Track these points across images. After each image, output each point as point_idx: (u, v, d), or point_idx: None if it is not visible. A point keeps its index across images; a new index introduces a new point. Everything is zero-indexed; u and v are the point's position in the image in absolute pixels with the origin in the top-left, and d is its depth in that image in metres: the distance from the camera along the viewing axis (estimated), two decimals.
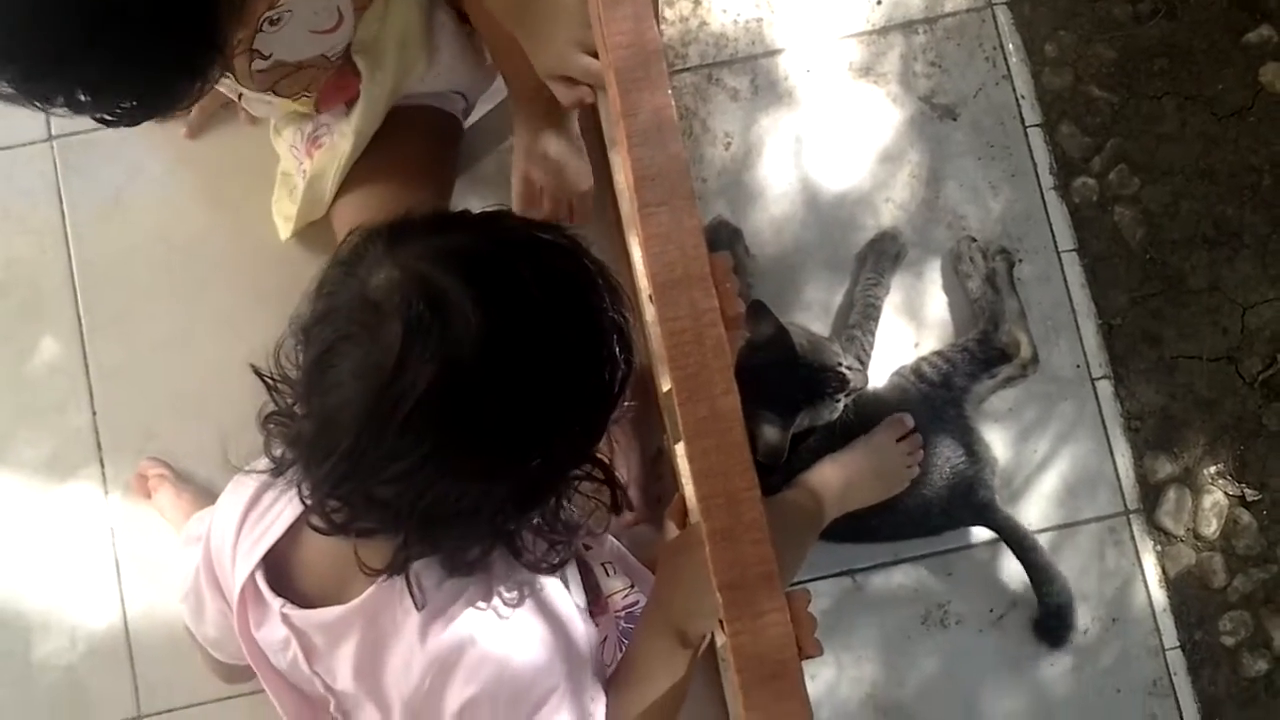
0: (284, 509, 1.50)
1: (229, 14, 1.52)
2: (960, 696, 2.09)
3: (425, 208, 1.33)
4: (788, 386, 1.96)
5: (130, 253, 2.17)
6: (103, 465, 2.11)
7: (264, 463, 1.36)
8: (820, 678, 2.08)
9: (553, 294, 1.24)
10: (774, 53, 2.28)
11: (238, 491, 1.58)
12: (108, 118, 1.51)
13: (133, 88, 1.49)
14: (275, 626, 1.51)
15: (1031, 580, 2.09)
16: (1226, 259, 2.21)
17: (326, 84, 1.92)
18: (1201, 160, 2.24)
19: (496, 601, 1.44)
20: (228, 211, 2.18)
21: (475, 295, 1.19)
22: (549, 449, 1.28)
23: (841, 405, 1.99)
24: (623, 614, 1.83)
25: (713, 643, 1.77)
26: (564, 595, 1.54)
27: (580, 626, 1.54)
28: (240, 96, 1.96)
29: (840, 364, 1.98)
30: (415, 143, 2.03)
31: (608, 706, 1.56)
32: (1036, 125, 2.25)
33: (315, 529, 1.33)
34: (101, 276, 2.17)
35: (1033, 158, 2.23)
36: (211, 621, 1.68)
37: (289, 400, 1.30)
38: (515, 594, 1.44)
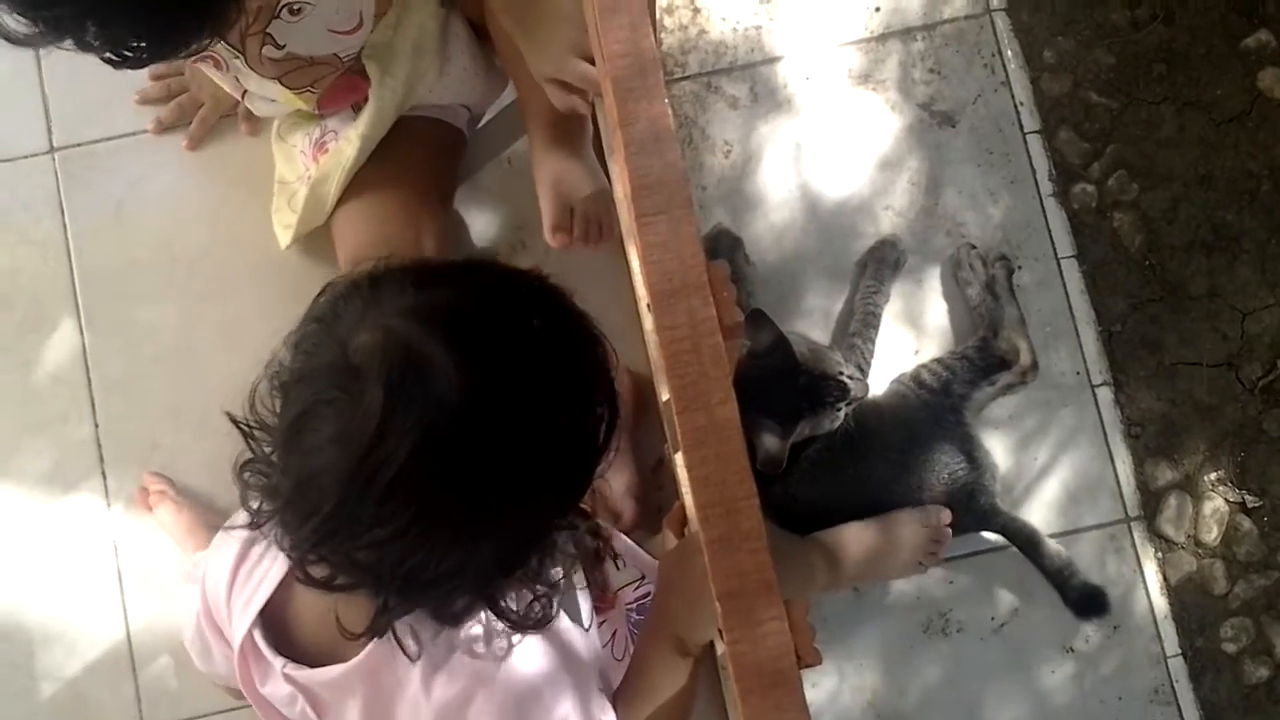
0: (273, 565, 1.48)
1: None
2: (962, 705, 2.09)
3: (406, 256, 1.30)
4: (789, 395, 1.96)
5: (132, 264, 2.17)
6: (105, 477, 2.12)
7: (245, 516, 1.33)
8: (822, 686, 2.08)
9: (537, 352, 1.23)
10: (773, 60, 2.28)
11: (226, 544, 1.56)
12: (114, 57, 1.50)
13: (144, 24, 1.47)
14: (279, 684, 1.50)
15: (1047, 572, 2.10)
16: (1226, 265, 2.21)
17: (332, 86, 1.93)
18: (1200, 166, 2.24)
19: (495, 643, 1.43)
20: (229, 222, 2.18)
21: (458, 358, 1.16)
22: (534, 510, 1.27)
23: (843, 414, 1.99)
24: (634, 606, 1.82)
25: (714, 650, 1.77)
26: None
27: (579, 639, 1.54)
28: (244, 95, 1.97)
29: (841, 372, 1.98)
30: (418, 156, 2.03)
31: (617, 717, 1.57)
32: (1035, 131, 2.25)
33: (299, 580, 1.31)
34: (103, 288, 2.17)
35: (1032, 164, 2.24)
36: (220, 663, 1.67)
37: (266, 449, 1.27)
38: (505, 642, 1.43)
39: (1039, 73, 2.27)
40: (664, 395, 1.43)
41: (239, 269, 2.16)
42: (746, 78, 2.27)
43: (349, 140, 1.96)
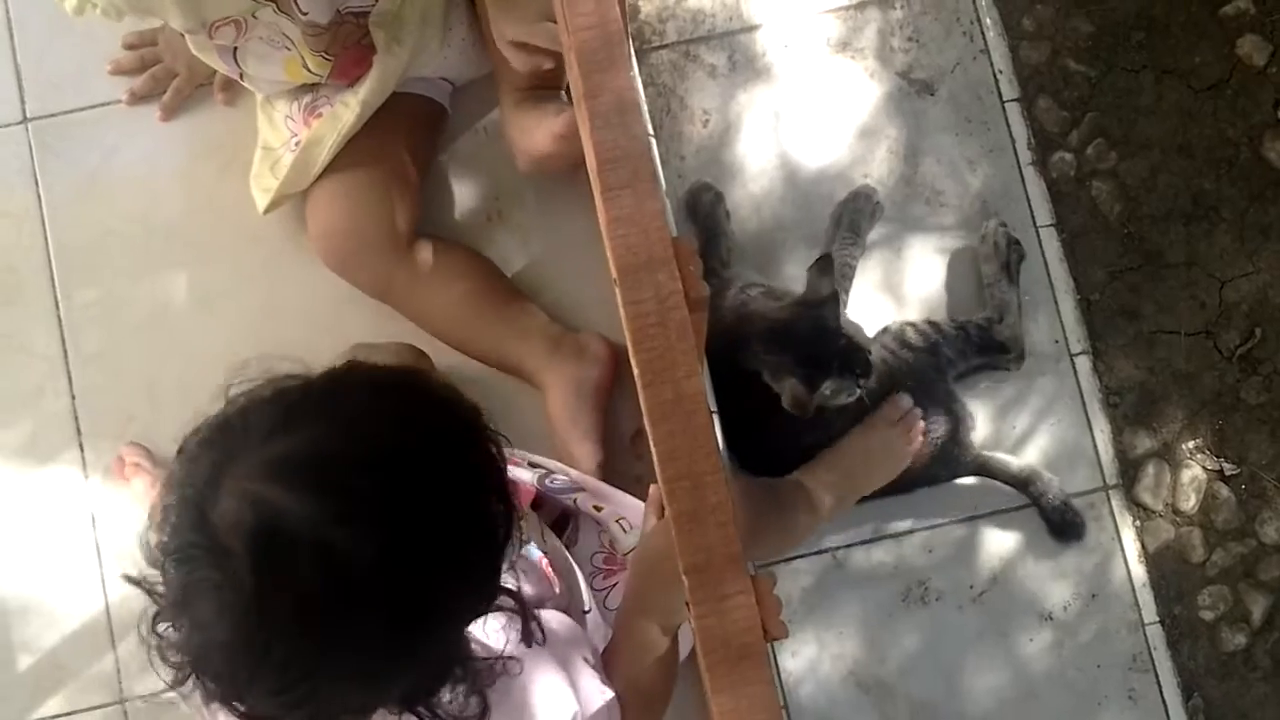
0: None
1: None
2: (941, 673, 2.10)
3: (264, 379, 1.23)
4: (826, 351, 1.95)
5: (107, 235, 2.16)
6: (82, 449, 2.11)
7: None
8: (801, 655, 2.08)
9: (416, 480, 1.18)
10: (751, 28, 2.27)
11: None
12: None
13: None
14: None
15: (1026, 495, 2.11)
16: (1204, 233, 2.21)
17: (345, 57, 1.92)
18: (1179, 134, 2.23)
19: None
20: (204, 193, 2.17)
21: (328, 516, 1.12)
22: (440, 636, 1.24)
23: (858, 394, 1.98)
24: None
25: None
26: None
27: (557, 623, 1.53)
28: (242, 76, 1.96)
29: (870, 351, 1.99)
30: (399, 132, 2.03)
31: None
32: (1014, 100, 2.24)
33: None
34: (79, 260, 2.16)
35: (1010, 133, 2.23)
36: None
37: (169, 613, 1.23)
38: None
39: (1018, 41, 2.26)
40: (635, 369, 1.42)
41: (215, 239, 2.15)
42: (725, 46, 2.26)
43: (347, 105, 1.96)
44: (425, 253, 2.02)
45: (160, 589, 1.22)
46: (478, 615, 1.31)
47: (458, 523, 1.22)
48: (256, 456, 1.15)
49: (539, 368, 2.04)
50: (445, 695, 1.31)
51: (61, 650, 2.06)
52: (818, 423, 2.00)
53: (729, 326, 1.98)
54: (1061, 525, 2.11)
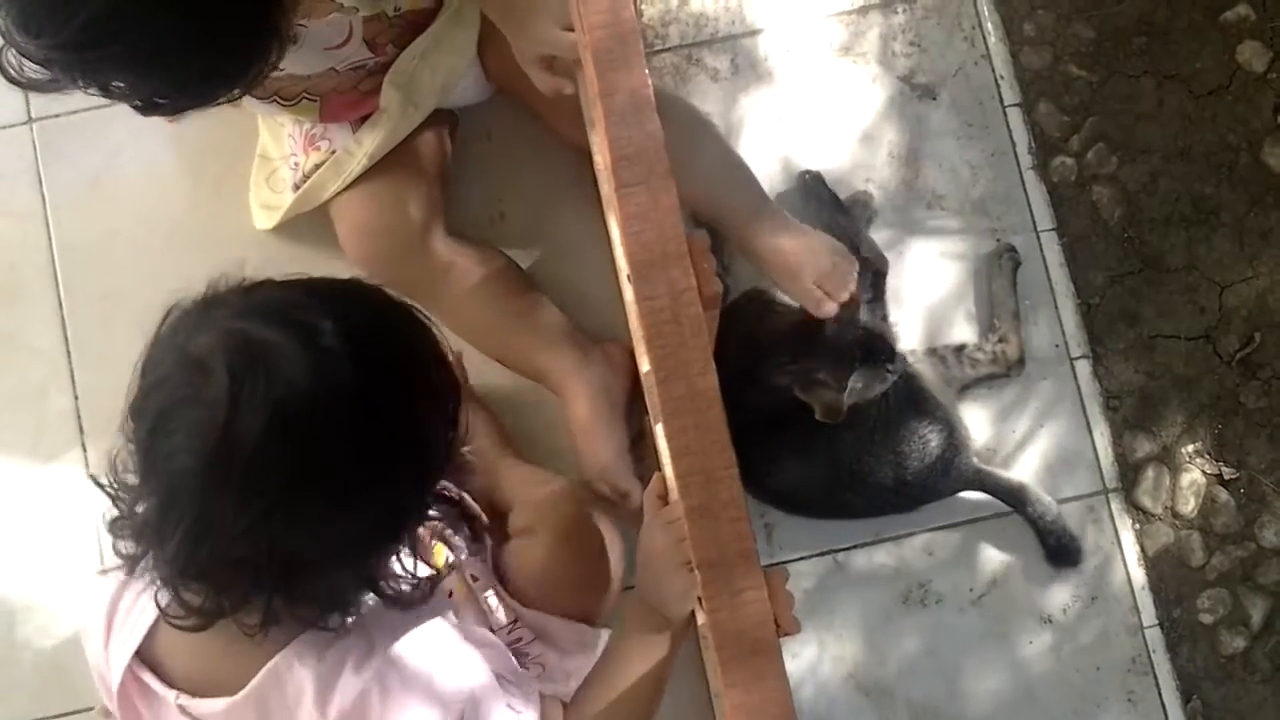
0: (148, 603, 1.42)
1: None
2: (941, 675, 2.10)
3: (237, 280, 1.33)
4: (843, 343, 1.96)
5: (110, 235, 2.17)
6: (85, 448, 2.11)
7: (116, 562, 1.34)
8: (802, 656, 2.09)
9: (369, 326, 1.27)
10: (754, 32, 2.28)
11: (96, 601, 1.53)
12: (141, 105, 1.49)
13: (180, 87, 1.48)
14: (173, 716, 1.45)
15: (1025, 518, 2.11)
16: (1204, 238, 2.22)
17: (336, 101, 1.93)
18: (1179, 139, 2.24)
19: (380, 654, 1.40)
20: (208, 193, 2.17)
21: (296, 337, 1.20)
22: (393, 481, 1.28)
23: (889, 382, 1.99)
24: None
25: (695, 619, 1.77)
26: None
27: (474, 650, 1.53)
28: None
29: (891, 338, 2.00)
30: (418, 139, 2.03)
31: (589, 693, 1.58)
32: (1015, 105, 2.25)
33: (178, 625, 1.31)
34: (82, 259, 2.17)
35: (1011, 137, 2.24)
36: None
37: (129, 506, 1.29)
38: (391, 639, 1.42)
39: (1019, 46, 2.28)
40: (644, 366, 1.43)
41: (218, 239, 2.15)
42: (727, 50, 2.27)
43: (351, 155, 1.97)
44: (451, 250, 2.03)
45: (123, 493, 1.29)
46: (429, 482, 1.34)
47: (406, 375, 1.29)
48: (230, 307, 1.26)
49: (567, 376, 2.03)
50: (397, 567, 1.36)
51: (64, 649, 2.05)
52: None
53: (746, 339, 2.00)
54: (1057, 550, 2.11)
